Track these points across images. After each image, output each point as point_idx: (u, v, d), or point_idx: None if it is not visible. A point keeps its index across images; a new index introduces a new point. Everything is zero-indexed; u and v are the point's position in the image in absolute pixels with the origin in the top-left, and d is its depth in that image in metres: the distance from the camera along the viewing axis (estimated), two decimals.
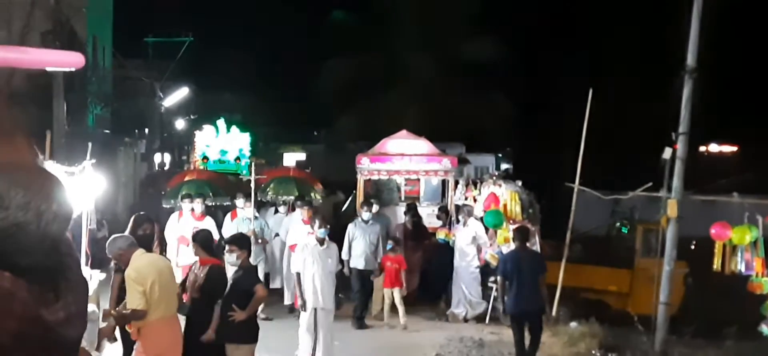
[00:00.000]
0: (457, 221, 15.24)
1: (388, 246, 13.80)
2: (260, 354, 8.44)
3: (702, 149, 38.35)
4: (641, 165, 14.99)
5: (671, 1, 13.12)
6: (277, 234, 15.41)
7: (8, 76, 13.91)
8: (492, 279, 14.52)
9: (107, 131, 27.62)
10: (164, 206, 16.02)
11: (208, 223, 13.36)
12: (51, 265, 2.00)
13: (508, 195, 14.78)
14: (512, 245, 14.06)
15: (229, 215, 14.78)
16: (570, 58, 34.37)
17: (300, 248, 10.95)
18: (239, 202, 14.66)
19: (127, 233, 9.19)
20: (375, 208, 14.41)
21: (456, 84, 32.07)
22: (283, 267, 14.79)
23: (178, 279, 12.58)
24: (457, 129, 28.71)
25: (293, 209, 15.44)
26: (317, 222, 10.95)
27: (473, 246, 14.66)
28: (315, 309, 10.50)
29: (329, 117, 36.14)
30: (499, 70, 31.53)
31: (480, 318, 14.42)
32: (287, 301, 14.37)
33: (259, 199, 14.44)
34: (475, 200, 15.48)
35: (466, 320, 14.42)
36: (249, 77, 42.10)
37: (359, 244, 13.60)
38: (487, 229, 14.80)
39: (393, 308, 13.77)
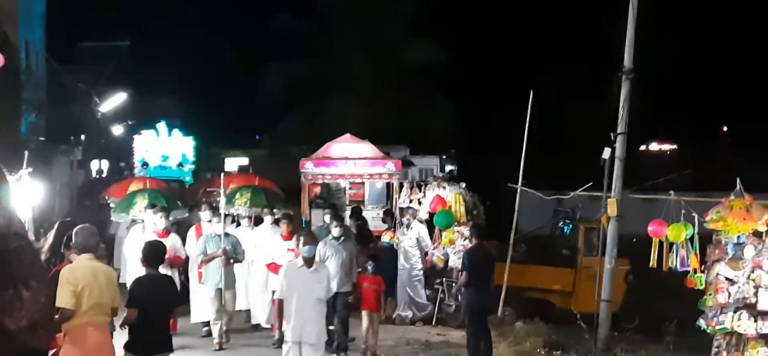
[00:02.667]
0: (402, 224, 15.26)
1: (369, 268, 12.25)
2: None
3: (642, 147, 39.22)
4: (583, 165, 15.22)
5: (610, 4, 13.38)
6: None
7: None
8: (438, 280, 14.60)
9: (42, 138, 26.97)
10: (114, 219, 14.83)
11: (173, 239, 12.21)
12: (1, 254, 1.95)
13: (452, 197, 14.86)
14: (458, 247, 14.17)
15: (192, 230, 13.19)
16: (512, 59, 34.79)
17: (284, 271, 9.58)
18: (205, 215, 13.01)
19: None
20: (346, 222, 12.99)
21: (399, 86, 32.13)
22: (247, 285, 13.53)
23: None
24: (401, 131, 28.79)
25: (260, 222, 13.98)
26: (302, 240, 9.55)
27: (417, 249, 14.70)
28: (299, 344, 9.08)
29: (271, 121, 35.89)
30: (443, 72, 31.70)
31: (427, 320, 14.48)
32: (254, 320, 13.48)
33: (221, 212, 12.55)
34: (419, 203, 15.52)
35: (412, 322, 14.46)
36: (188, 82, 41.52)
37: (332, 264, 11.52)
38: (432, 231, 14.86)
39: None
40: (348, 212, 16.66)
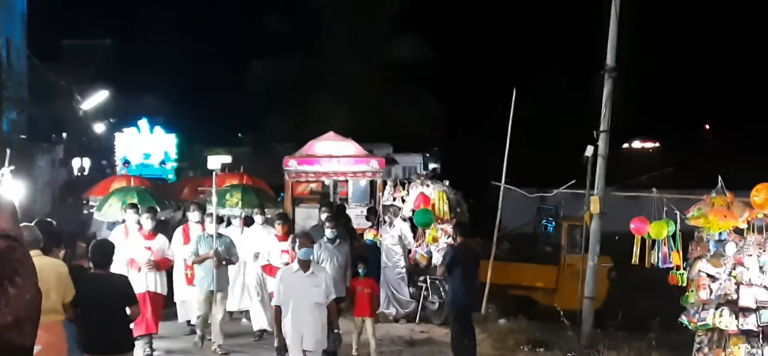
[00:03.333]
0: (384, 222, 15.27)
1: (361, 271, 11.81)
2: None
3: (625, 145, 39.44)
4: (566, 163, 15.29)
5: (593, 3, 13.44)
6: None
7: None
8: (421, 278, 14.63)
9: (23, 136, 26.80)
10: (96, 218, 14.45)
11: (161, 241, 11.69)
12: None
13: (435, 195, 14.88)
14: (441, 244, 14.20)
15: (179, 230, 12.85)
16: (495, 58, 34.93)
17: (279, 276, 9.09)
18: (194, 216, 12.69)
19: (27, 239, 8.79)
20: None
21: (382, 84, 32.15)
22: (244, 287, 13.25)
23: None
24: (384, 129, 28.77)
25: (247, 223, 13.63)
26: (297, 242, 9.11)
27: (400, 246, 14.73)
28: (304, 352, 8.67)
29: (254, 119, 35.77)
30: (426, 70, 31.75)
31: (410, 318, 14.50)
32: (257, 326, 12.92)
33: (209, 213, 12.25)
34: (403, 201, 15.53)
35: (396, 320, 14.48)
36: (170, 79, 41.29)
37: (326, 268, 10.70)
38: (415, 228, 14.89)
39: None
40: None
